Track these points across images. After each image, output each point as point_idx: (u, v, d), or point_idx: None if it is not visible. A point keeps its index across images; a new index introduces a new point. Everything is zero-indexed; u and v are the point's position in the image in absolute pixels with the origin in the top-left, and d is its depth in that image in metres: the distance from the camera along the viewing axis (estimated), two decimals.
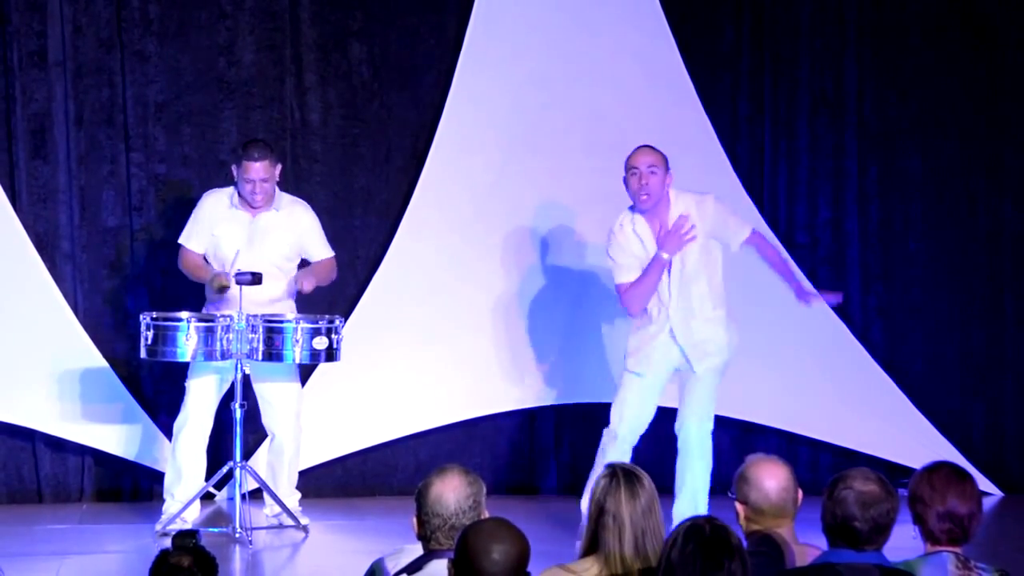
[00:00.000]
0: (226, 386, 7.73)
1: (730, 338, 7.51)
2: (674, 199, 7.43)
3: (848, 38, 9.19)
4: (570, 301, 8.85)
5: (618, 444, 7.52)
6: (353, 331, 8.19)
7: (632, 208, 7.46)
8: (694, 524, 3.79)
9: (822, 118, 9.19)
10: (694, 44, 9.02)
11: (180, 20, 8.66)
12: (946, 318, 9.28)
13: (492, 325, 8.80)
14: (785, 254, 7.77)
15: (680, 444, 7.50)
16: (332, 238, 8.08)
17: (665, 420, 8.92)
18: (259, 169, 7.72)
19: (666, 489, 7.83)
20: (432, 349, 8.73)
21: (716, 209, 7.45)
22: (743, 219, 7.64)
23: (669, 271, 7.39)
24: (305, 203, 8.01)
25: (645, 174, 7.35)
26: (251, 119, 8.71)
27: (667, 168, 7.41)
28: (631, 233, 7.42)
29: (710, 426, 7.50)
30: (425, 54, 8.89)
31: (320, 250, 7.95)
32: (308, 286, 7.76)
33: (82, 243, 8.61)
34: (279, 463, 7.97)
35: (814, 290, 7.75)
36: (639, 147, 7.44)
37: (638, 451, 8.03)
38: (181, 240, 7.91)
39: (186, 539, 3.84)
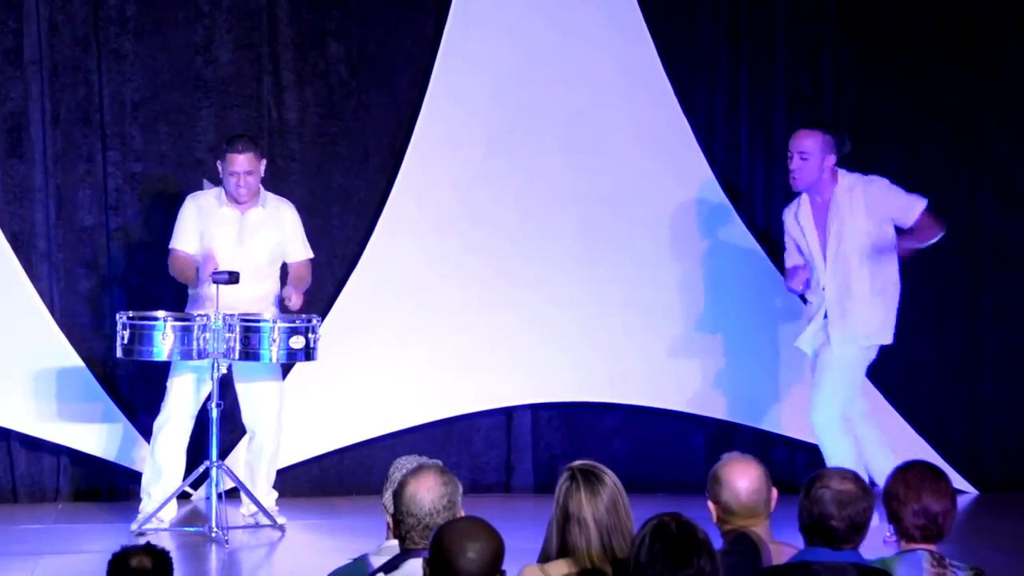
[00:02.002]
0: (207, 386, 7.72)
1: (881, 325, 7.67)
2: (840, 180, 7.65)
3: (825, 37, 9.20)
4: (548, 300, 8.84)
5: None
6: (330, 330, 8.18)
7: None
8: (660, 522, 3.79)
9: (799, 116, 9.19)
10: (671, 43, 9.02)
11: (157, 19, 8.64)
12: (923, 317, 9.28)
13: (469, 324, 8.80)
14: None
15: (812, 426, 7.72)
16: (310, 237, 8.07)
17: (662, 421, 8.96)
18: (243, 162, 7.72)
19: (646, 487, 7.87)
20: (409, 348, 8.73)
21: (883, 188, 7.64)
22: (916, 198, 7.71)
23: (824, 253, 7.61)
24: (290, 203, 8.01)
25: (795, 158, 7.61)
26: (228, 118, 8.69)
27: (828, 151, 7.58)
28: (792, 219, 7.76)
29: (838, 407, 7.62)
30: (403, 53, 8.88)
31: (299, 251, 7.95)
32: (297, 302, 7.75)
33: (58, 242, 8.58)
34: (258, 462, 7.96)
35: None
36: (798, 129, 7.73)
37: (640, 450, 8.08)
38: (171, 244, 7.89)
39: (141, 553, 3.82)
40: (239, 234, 7.82)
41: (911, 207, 7.69)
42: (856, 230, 7.62)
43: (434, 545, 3.71)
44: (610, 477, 4.26)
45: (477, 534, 3.69)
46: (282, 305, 7.87)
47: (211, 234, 7.82)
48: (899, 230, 7.76)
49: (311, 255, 8.01)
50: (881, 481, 7.27)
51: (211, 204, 7.88)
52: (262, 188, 7.91)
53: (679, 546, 3.73)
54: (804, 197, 7.73)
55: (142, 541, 3.86)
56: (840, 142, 7.70)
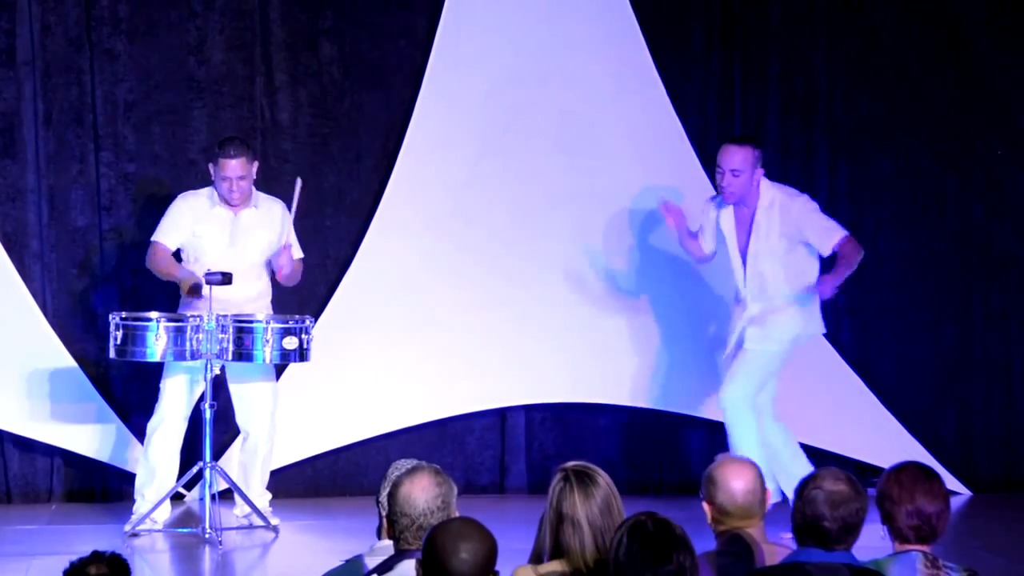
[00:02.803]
0: (200, 387, 7.72)
1: (798, 333, 7.79)
2: (763, 193, 7.70)
3: (818, 38, 9.20)
4: (542, 301, 8.84)
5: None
6: (323, 331, 8.18)
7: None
8: (636, 521, 3.79)
9: (792, 119, 9.20)
10: (664, 44, 9.03)
11: (149, 19, 8.63)
12: (916, 318, 9.30)
13: (463, 325, 8.80)
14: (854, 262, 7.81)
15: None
16: (302, 238, 8.07)
17: (656, 422, 8.97)
18: (235, 167, 7.72)
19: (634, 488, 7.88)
20: (402, 349, 8.72)
21: (802, 211, 7.65)
22: (834, 226, 7.73)
23: (744, 260, 7.71)
24: (282, 202, 8.01)
25: (727, 175, 7.68)
26: (221, 118, 8.69)
27: (756, 165, 7.65)
28: (714, 219, 7.87)
29: (743, 393, 7.73)
30: (395, 53, 8.88)
31: (292, 250, 7.95)
32: (285, 262, 7.73)
33: (51, 243, 8.58)
34: (252, 463, 7.96)
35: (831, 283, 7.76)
36: (727, 143, 7.80)
37: (634, 451, 8.09)
38: (154, 237, 7.88)
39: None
40: (232, 235, 7.82)
41: (830, 235, 7.68)
42: (771, 249, 7.71)
43: (427, 546, 3.71)
44: (603, 478, 4.26)
45: (470, 535, 3.69)
46: (273, 295, 7.87)
47: (204, 234, 7.82)
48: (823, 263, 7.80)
49: (301, 255, 8.01)
50: (785, 484, 7.39)
51: (203, 204, 7.87)
52: (254, 188, 7.91)
53: (657, 543, 3.74)
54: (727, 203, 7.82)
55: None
56: (764, 152, 7.77)
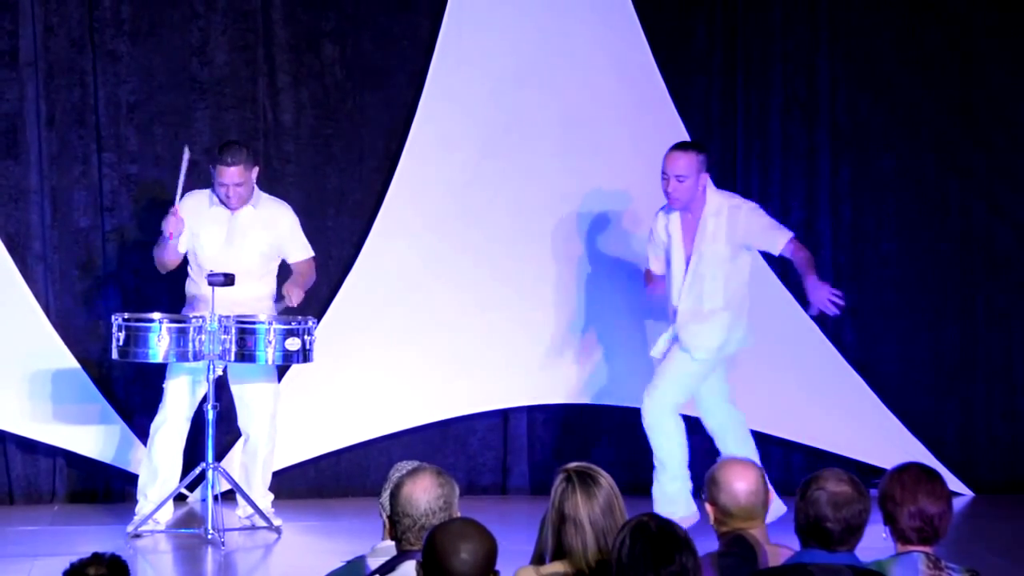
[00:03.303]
0: (203, 388, 7.73)
1: (727, 340, 7.76)
2: (710, 200, 7.68)
3: (820, 39, 9.20)
4: (543, 302, 8.85)
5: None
6: (326, 332, 8.18)
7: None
8: (639, 522, 3.79)
9: (794, 119, 9.20)
10: (667, 45, 9.03)
11: (152, 20, 8.64)
12: (918, 319, 9.30)
13: (465, 326, 8.80)
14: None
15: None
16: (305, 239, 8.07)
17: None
18: (233, 174, 7.72)
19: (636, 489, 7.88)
20: (405, 350, 8.73)
21: (749, 218, 7.65)
22: (782, 227, 7.74)
23: (686, 266, 7.69)
24: (286, 203, 8.01)
25: (672, 181, 7.67)
26: (223, 119, 8.69)
27: (701, 170, 7.63)
28: (662, 229, 7.83)
29: (665, 401, 7.74)
30: (398, 54, 8.88)
31: (298, 251, 7.95)
32: (296, 299, 7.76)
33: (54, 244, 8.58)
34: (253, 464, 7.96)
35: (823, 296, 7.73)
36: (672, 149, 7.77)
37: (636, 452, 8.08)
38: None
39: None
40: (228, 234, 7.82)
41: (777, 235, 7.68)
42: (716, 254, 7.69)
43: (427, 546, 3.71)
44: (605, 479, 4.26)
45: (470, 535, 3.69)
46: (279, 300, 7.87)
47: (200, 233, 7.82)
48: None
49: (312, 254, 8.01)
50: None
51: (202, 203, 7.88)
52: (256, 189, 7.90)
53: (660, 544, 3.74)
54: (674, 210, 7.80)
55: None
56: (708, 156, 7.78)
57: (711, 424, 7.87)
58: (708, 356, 7.74)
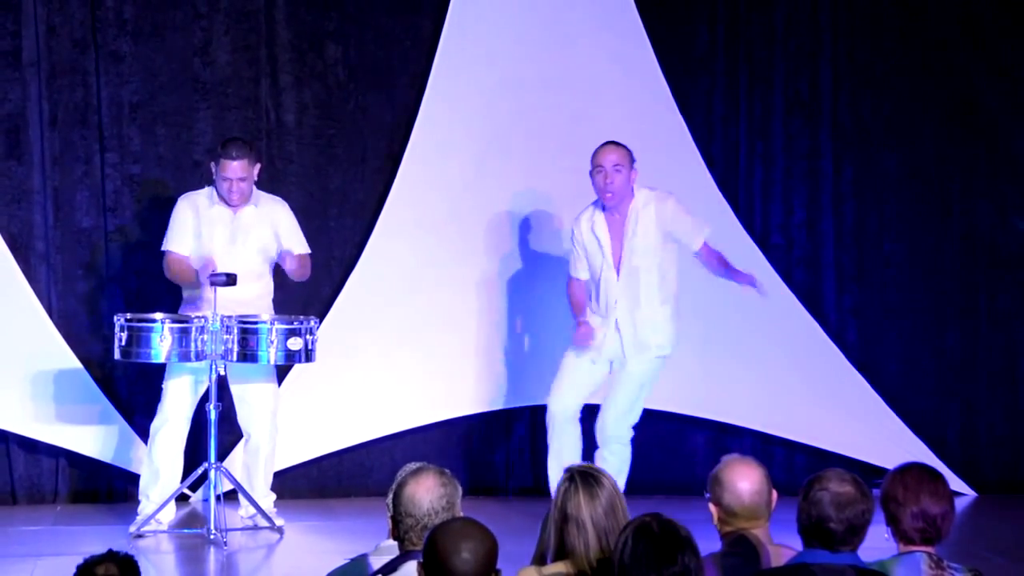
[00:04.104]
0: (203, 387, 7.73)
1: (672, 336, 7.77)
2: (637, 195, 7.70)
3: (823, 40, 9.20)
4: (545, 302, 8.84)
5: (550, 419, 7.85)
6: (328, 332, 8.18)
7: (596, 203, 7.77)
8: (642, 523, 3.79)
9: (797, 119, 9.20)
10: (669, 45, 9.03)
11: (155, 20, 8.64)
12: (920, 319, 9.30)
13: (467, 326, 8.80)
14: (726, 259, 7.83)
15: (598, 436, 7.81)
16: (307, 238, 8.07)
17: (660, 423, 8.96)
18: (237, 168, 7.72)
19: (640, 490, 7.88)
20: (407, 350, 8.73)
21: (675, 210, 7.60)
22: (703, 222, 7.71)
23: (618, 266, 7.63)
24: (283, 201, 8.02)
25: (610, 172, 7.54)
26: (226, 120, 8.69)
27: (632, 164, 7.55)
28: (588, 231, 7.78)
29: (631, 420, 7.78)
30: (400, 55, 8.88)
31: (296, 246, 7.95)
32: (298, 264, 7.75)
33: (56, 244, 8.59)
34: (255, 463, 7.96)
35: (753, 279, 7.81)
36: (604, 144, 7.69)
37: (639, 452, 8.07)
38: (164, 247, 7.88)
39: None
40: (232, 233, 7.83)
41: (699, 230, 7.70)
42: (647, 246, 7.70)
43: (428, 546, 3.70)
44: (608, 479, 4.27)
45: (471, 534, 3.69)
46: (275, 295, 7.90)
47: (204, 234, 7.82)
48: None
49: (308, 250, 8.00)
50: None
51: (203, 204, 7.88)
52: (255, 188, 7.91)
53: (663, 545, 3.74)
54: (599, 211, 7.78)
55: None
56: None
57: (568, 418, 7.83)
58: (660, 352, 7.75)
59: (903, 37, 9.26)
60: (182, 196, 7.98)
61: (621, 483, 7.55)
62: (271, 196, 8.02)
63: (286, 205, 7.99)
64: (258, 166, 7.89)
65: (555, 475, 7.59)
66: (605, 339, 7.78)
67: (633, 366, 7.77)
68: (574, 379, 7.84)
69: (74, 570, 3.79)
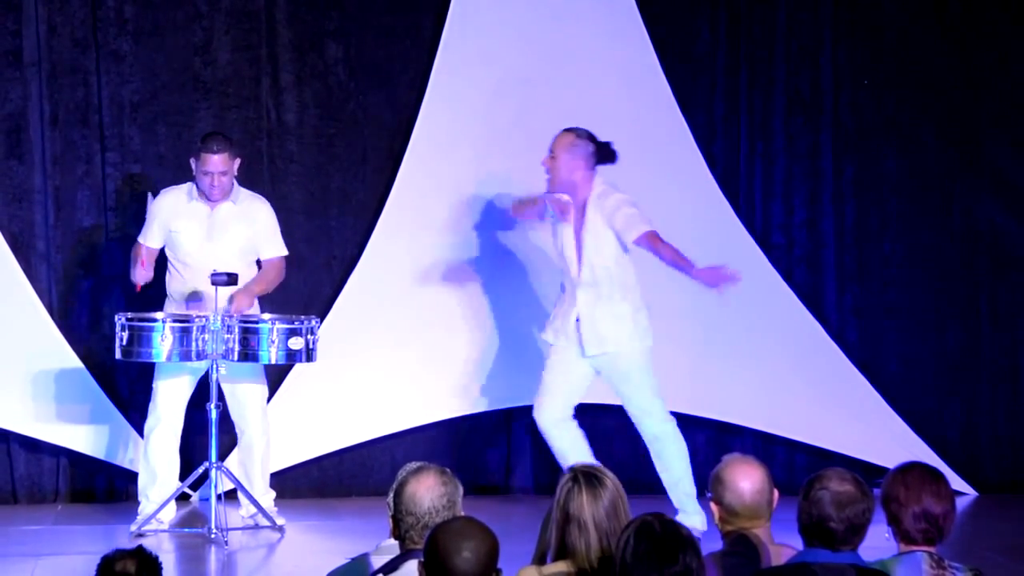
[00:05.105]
0: (194, 386, 7.74)
1: (631, 334, 7.69)
2: (594, 189, 7.67)
3: (823, 39, 9.20)
4: (547, 301, 8.84)
5: (541, 430, 7.79)
6: (329, 331, 8.18)
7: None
8: (643, 522, 3.78)
9: (798, 119, 9.20)
10: (670, 44, 9.03)
11: (155, 20, 8.64)
12: (921, 318, 9.30)
13: (468, 325, 8.80)
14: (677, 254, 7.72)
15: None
16: (308, 238, 8.09)
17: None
18: (217, 162, 7.72)
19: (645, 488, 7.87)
20: (408, 349, 8.73)
21: (616, 204, 7.62)
22: (645, 220, 7.65)
23: (579, 260, 7.62)
24: (265, 200, 8.01)
25: (547, 159, 7.65)
26: (227, 119, 8.69)
27: (579, 153, 7.63)
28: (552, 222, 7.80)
29: (656, 414, 7.75)
30: (401, 54, 8.88)
31: (271, 248, 7.92)
32: (241, 302, 7.67)
33: (57, 243, 8.59)
34: (250, 461, 7.96)
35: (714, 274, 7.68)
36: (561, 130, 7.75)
37: (641, 452, 8.07)
38: (139, 238, 7.92)
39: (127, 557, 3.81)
40: (208, 229, 7.83)
41: (634, 227, 7.61)
42: (598, 243, 7.66)
43: (429, 545, 3.70)
44: (611, 480, 4.26)
45: (472, 533, 3.69)
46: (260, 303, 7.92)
47: (180, 229, 7.83)
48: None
49: (285, 253, 7.98)
50: None
51: (181, 199, 7.89)
52: (236, 184, 7.91)
53: (664, 544, 3.73)
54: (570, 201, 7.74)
55: (141, 542, 3.85)
56: (603, 152, 7.69)
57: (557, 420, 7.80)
58: (616, 348, 7.70)
59: (903, 36, 9.26)
60: (162, 191, 7.98)
61: (685, 477, 7.57)
62: (253, 194, 8.00)
63: (268, 205, 7.97)
64: (238, 161, 7.88)
65: None
66: (569, 324, 7.72)
67: (589, 361, 7.72)
68: (554, 386, 7.80)
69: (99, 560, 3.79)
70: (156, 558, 3.80)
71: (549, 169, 7.68)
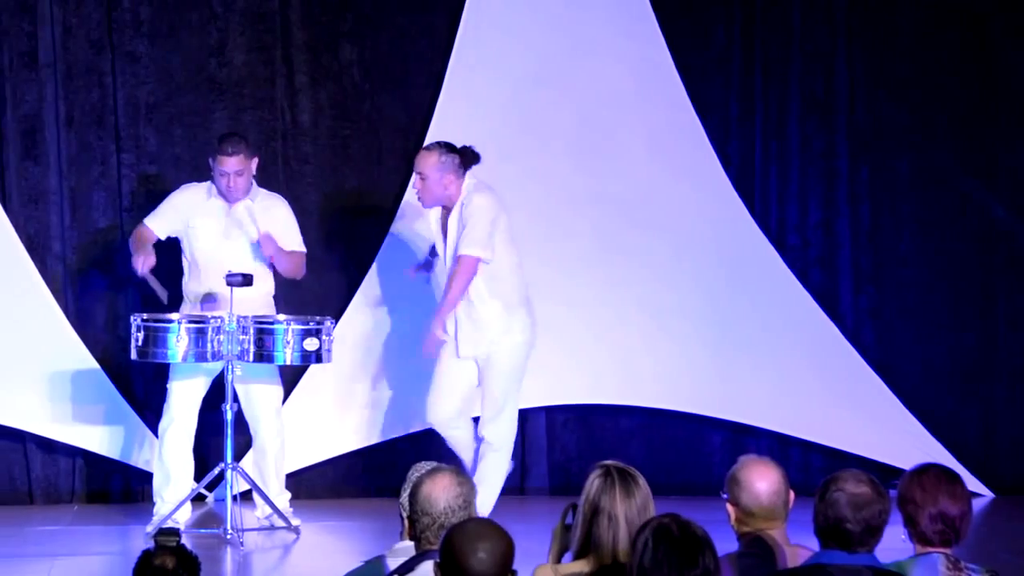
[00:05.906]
0: (208, 386, 7.76)
1: (502, 331, 7.69)
2: (464, 192, 7.67)
3: (839, 40, 9.19)
4: (562, 303, 8.83)
5: (428, 414, 7.86)
6: (344, 332, 8.18)
7: None
8: (660, 525, 3.76)
9: (813, 119, 9.19)
10: (685, 45, 9.02)
11: (171, 21, 8.65)
12: (937, 319, 9.28)
13: None
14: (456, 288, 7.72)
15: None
16: (323, 239, 8.09)
17: (677, 424, 8.97)
18: (233, 163, 7.75)
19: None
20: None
21: (469, 212, 7.61)
22: (481, 244, 7.61)
23: (447, 258, 7.71)
24: (282, 198, 8.03)
25: (416, 180, 7.69)
26: (242, 120, 8.70)
27: (443, 166, 7.61)
28: (435, 222, 7.81)
29: (496, 421, 7.75)
30: (416, 55, 8.89)
31: (290, 243, 7.93)
32: (268, 249, 7.72)
33: (73, 244, 8.61)
34: (264, 461, 7.96)
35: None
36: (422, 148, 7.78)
37: (656, 453, 8.08)
38: (145, 220, 7.92)
39: (169, 537, 3.81)
40: (225, 228, 7.85)
41: (462, 244, 7.59)
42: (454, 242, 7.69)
43: (444, 546, 3.70)
44: (644, 482, 4.27)
45: (487, 534, 3.69)
46: (276, 295, 7.90)
47: (198, 226, 7.85)
48: None
49: (303, 249, 7.99)
50: None
51: (200, 196, 7.92)
52: (254, 184, 7.93)
53: (683, 547, 3.71)
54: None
55: (172, 541, 3.84)
56: (467, 157, 7.68)
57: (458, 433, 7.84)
58: (493, 347, 7.70)
59: (919, 36, 9.24)
60: (185, 185, 8.00)
61: (481, 493, 7.52)
62: (270, 193, 8.03)
63: (285, 202, 8.00)
64: (255, 160, 7.91)
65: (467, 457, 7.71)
66: (451, 326, 7.75)
67: (484, 366, 7.75)
68: (444, 385, 7.81)
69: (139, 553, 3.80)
70: (195, 556, 3.80)
71: (420, 191, 7.67)
